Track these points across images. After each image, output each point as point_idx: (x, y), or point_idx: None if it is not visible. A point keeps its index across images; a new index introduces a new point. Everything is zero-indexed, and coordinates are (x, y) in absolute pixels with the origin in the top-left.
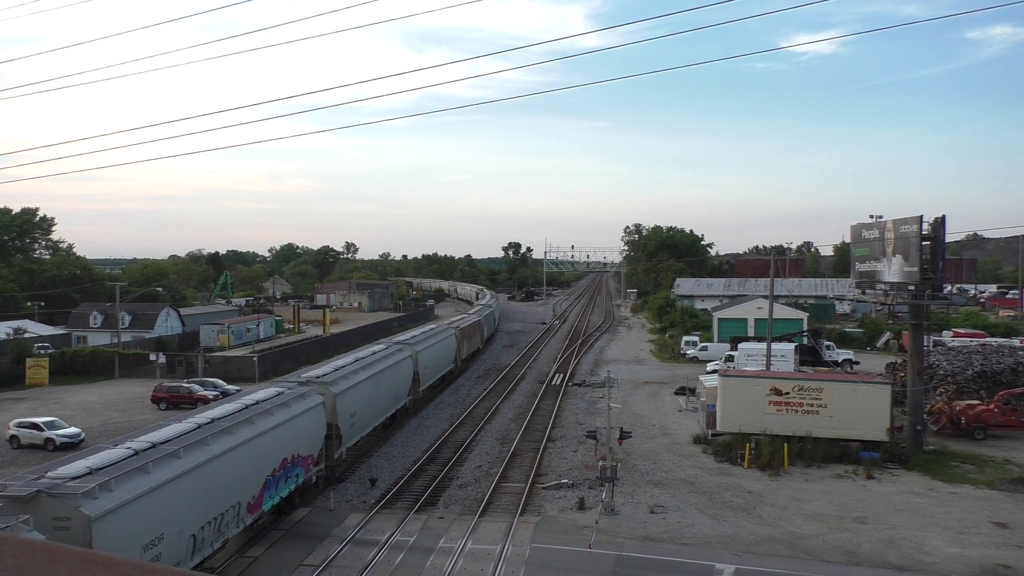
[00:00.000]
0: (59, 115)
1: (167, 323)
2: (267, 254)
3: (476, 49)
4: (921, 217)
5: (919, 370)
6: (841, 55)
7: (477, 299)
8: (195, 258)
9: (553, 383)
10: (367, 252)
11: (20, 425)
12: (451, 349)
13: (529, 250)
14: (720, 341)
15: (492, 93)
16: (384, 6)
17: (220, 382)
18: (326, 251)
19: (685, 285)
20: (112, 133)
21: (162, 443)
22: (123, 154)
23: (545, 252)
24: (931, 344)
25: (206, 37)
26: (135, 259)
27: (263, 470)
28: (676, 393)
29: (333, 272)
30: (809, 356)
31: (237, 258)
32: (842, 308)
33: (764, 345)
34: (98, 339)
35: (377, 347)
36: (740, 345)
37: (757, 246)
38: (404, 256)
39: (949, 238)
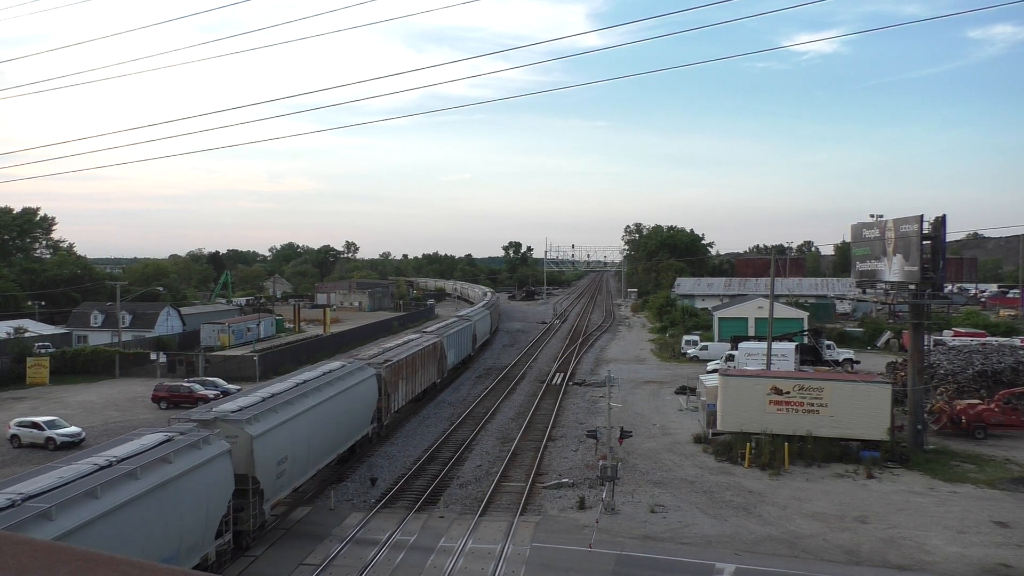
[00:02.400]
0: (59, 115)
1: (167, 322)
2: (267, 253)
3: (477, 49)
4: (922, 216)
5: (920, 369)
6: (842, 54)
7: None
8: (195, 257)
9: (553, 382)
10: (367, 251)
11: (21, 424)
12: (367, 401)
13: (529, 249)
14: (720, 340)
15: (493, 92)
16: (384, 6)
17: (220, 381)
18: (326, 250)
19: (685, 284)
20: (112, 133)
21: None
22: (123, 154)
23: (545, 251)
24: (931, 343)
25: (206, 37)
26: (135, 258)
27: None
28: (676, 392)
29: (333, 271)
30: (810, 355)
31: (237, 257)
32: (842, 307)
33: (764, 344)
34: (99, 338)
35: (147, 440)
36: (740, 344)
37: (757, 245)
38: (404, 255)
39: (949, 237)
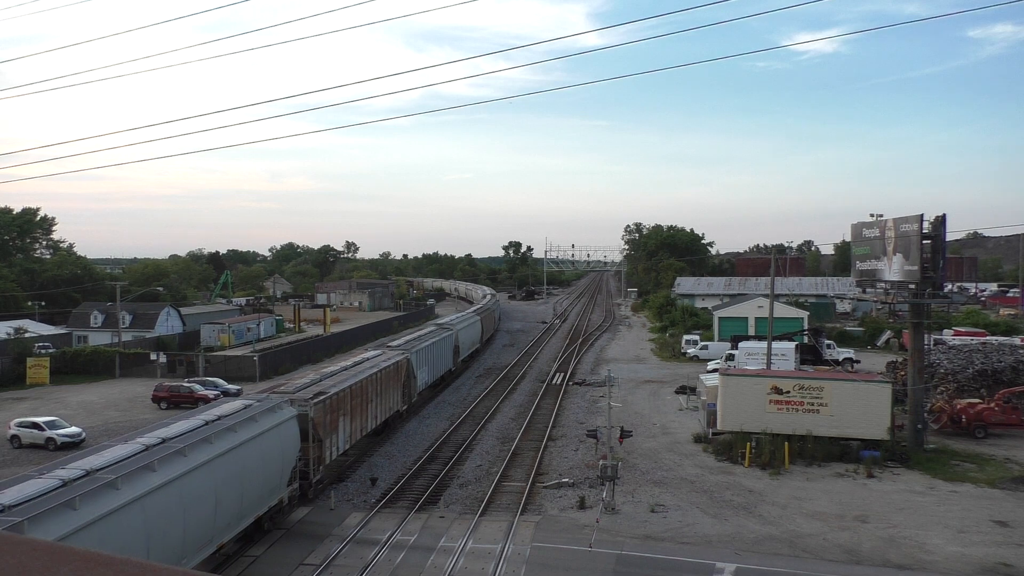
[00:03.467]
0: (59, 115)
1: (168, 322)
2: (267, 253)
3: (477, 48)
4: (922, 216)
5: (920, 369)
6: (842, 54)
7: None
8: (196, 257)
9: (553, 382)
10: (367, 251)
11: (21, 425)
12: (282, 454)
13: (530, 249)
14: (721, 340)
15: (493, 92)
16: (384, 6)
17: (221, 381)
18: (326, 250)
19: (685, 284)
20: (112, 133)
21: None
22: (123, 154)
23: (545, 251)
24: (932, 343)
25: (206, 37)
26: (136, 259)
27: None
28: (677, 392)
29: (333, 271)
30: (810, 355)
31: (238, 257)
32: (843, 307)
33: (765, 344)
34: (99, 338)
35: None
36: (741, 344)
37: (758, 245)
38: (404, 255)
39: (950, 236)
